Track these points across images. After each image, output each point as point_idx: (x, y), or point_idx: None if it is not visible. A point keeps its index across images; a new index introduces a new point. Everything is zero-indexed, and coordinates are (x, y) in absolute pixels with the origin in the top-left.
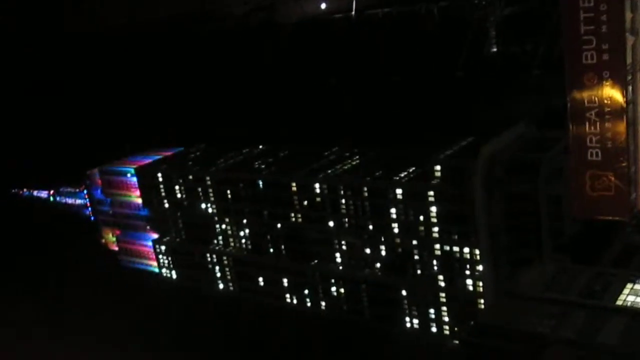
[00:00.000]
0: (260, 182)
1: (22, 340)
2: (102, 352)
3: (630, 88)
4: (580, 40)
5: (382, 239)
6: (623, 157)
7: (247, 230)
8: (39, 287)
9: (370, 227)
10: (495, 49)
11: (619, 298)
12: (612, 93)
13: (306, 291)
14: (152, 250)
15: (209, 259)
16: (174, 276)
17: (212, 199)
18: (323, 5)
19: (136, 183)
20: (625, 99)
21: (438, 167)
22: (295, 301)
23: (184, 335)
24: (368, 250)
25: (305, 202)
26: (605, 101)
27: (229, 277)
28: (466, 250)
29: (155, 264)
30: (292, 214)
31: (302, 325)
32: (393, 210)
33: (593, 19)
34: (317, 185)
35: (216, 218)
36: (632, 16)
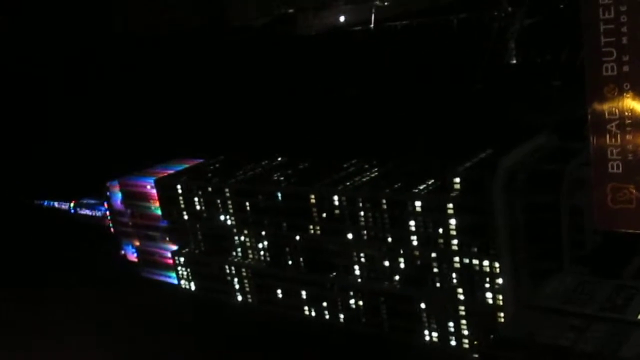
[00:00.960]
0: (279, 194)
1: (41, 351)
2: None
3: None
4: (601, 51)
5: (401, 251)
6: None
7: (265, 242)
8: (57, 298)
9: (389, 239)
10: (515, 61)
11: None
12: (632, 105)
13: (325, 303)
14: (171, 261)
15: (227, 271)
16: (193, 288)
17: (231, 210)
18: (342, 18)
19: (156, 194)
20: None
21: (457, 179)
22: (313, 313)
23: (200, 346)
24: (387, 263)
25: (324, 214)
26: (626, 113)
27: (247, 289)
28: (486, 262)
29: (174, 275)
30: (311, 226)
31: (321, 338)
32: (412, 223)
33: (613, 30)
34: (336, 197)
35: (235, 230)
36: None
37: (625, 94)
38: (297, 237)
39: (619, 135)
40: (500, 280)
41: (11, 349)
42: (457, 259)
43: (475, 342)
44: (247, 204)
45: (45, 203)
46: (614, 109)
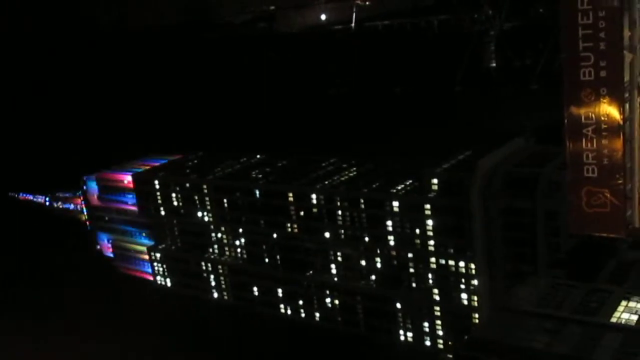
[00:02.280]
0: (257, 191)
1: (14, 346)
2: (92, 357)
3: (627, 105)
4: (579, 56)
5: (378, 251)
6: (619, 174)
7: (243, 239)
8: (31, 292)
9: (367, 238)
10: (494, 64)
11: (614, 315)
12: (609, 110)
13: (301, 301)
14: (147, 257)
15: (204, 267)
16: (169, 284)
17: (209, 207)
18: (323, 17)
19: (133, 189)
20: (622, 116)
21: (435, 180)
22: (289, 311)
23: (174, 343)
24: (364, 262)
25: (302, 212)
26: (603, 118)
27: (223, 285)
28: (462, 264)
29: (150, 271)
30: (289, 224)
31: (296, 336)
32: (389, 223)
33: (591, 35)
34: (314, 196)
35: (212, 226)
36: (630, 34)
37: (602, 98)
38: (275, 235)
39: (595, 140)
40: (475, 282)
41: None
42: (433, 259)
43: (450, 343)
44: (225, 200)
45: (21, 195)
46: (590, 113)
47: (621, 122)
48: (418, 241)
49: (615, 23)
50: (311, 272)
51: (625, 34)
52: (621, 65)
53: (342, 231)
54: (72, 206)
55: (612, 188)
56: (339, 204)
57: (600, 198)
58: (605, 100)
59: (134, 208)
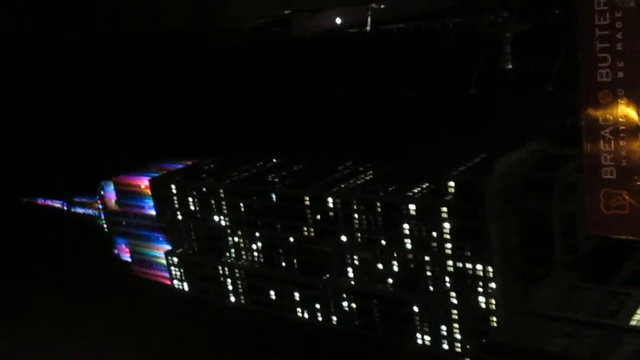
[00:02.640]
0: (274, 195)
1: (31, 351)
2: None
3: None
4: (596, 57)
5: (395, 254)
6: (638, 176)
7: (259, 243)
8: (49, 297)
9: (383, 242)
10: (510, 66)
11: (633, 318)
12: (627, 111)
13: (318, 305)
14: (164, 261)
15: (221, 272)
16: (186, 288)
17: (225, 211)
18: (338, 20)
19: (150, 194)
20: None
21: (451, 183)
22: (306, 315)
23: (191, 346)
24: (380, 265)
25: (318, 216)
26: (620, 119)
27: (240, 289)
28: (479, 267)
29: (167, 275)
30: (305, 228)
31: (313, 340)
32: (406, 226)
33: (608, 36)
34: (330, 199)
35: (229, 230)
36: None
37: (619, 100)
38: (291, 239)
39: (612, 142)
40: (492, 285)
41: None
42: (450, 262)
43: (468, 346)
44: (241, 204)
45: (40, 200)
46: (608, 115)
47: (639, 124)
48: (434, 244)
49: (632, 23)
50: (328, 275)
51: None
52: (639, 66)
53: (359, 234)
54: (89, 211)
55: (630, 190)
56: (355, 207)
57: (619, 200)
58: (622, 102)
59: (152, 212)
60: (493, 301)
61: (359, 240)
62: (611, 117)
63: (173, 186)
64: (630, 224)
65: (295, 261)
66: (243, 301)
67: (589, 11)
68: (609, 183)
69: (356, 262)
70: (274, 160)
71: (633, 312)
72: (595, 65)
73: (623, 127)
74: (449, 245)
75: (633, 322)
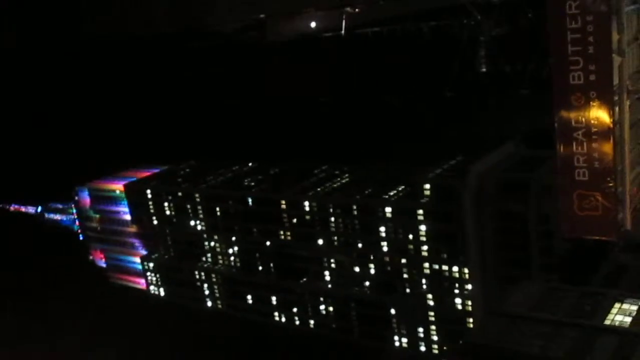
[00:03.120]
0: (250, 200)
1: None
2: None
3: (617, 109)
4: (568, 60)
5: (372, 257)
6: (610, 177)
7: (236, 248)
8: (24, 304)
9: (360, 245)
10: (484, 69)
11: (608, 318)
12: (599, 113)
13: (295, 309)
14: (140, 267)
15: (197, 276)
16: (162, 293)
17: (202, 216)
18: (313, 24)
19: (125, 199)
20: (612, 120)
21: (427, 186)
22: (284, 319)
23: (168, 352)
24: (357, 269)
25: (295, 220)
26: (593, 121)
27: (217, 294)
28: (455, 269)
29: (143, 281)
30: (282, 232)
31: (291, 344)
32: (382, 229)
33: (580, 39)
34: (306, 203)
35: (205, 235)
36: (619, 37)
37: (591, 102)
38: (268, 243)
39: (585, 144)
40: (469, 287)
41: None
42: (426, 265)
43: (445, 348)
44: (218, 209)
45: (13, 206)
46: (580, 117)
47: (611, 125)
48: (411, 247)
49: (603, 27)
50: (305, 279)
51: (614, 38)
52: (610, 69)
53: (336, 238)
54: (64, 217)
55: (603, 191)
56: (331, 211)
57: (592, 201)
58: (595, 104)
59: (127, 217)
60: (470, 303)
61: (336, 243)
62: (584, 120)
63: (148, 191)
64: (603, 225)
65: (272, 265)
66: (220, 306)
67: (561, 15)
68: (582, 185)
69: (333, 265)
70: (250, 164)
71: (609, 312)
72: (568, 68)
73: (595, 130)
74: (425, 248)
75: (608, 322)
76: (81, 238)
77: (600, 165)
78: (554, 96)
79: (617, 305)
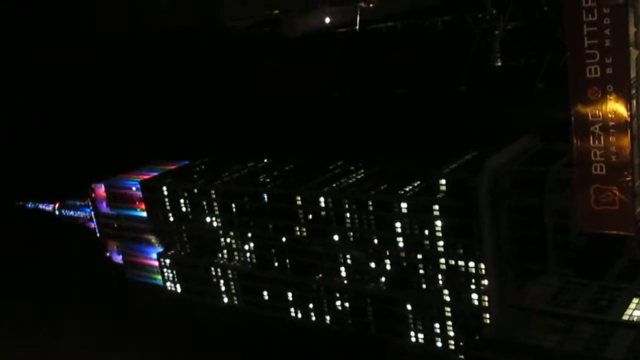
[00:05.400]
0: (265, 196)
1: (25, 356)
2: None
3: (634, 102)
4: (584, 54)
5: (387, 253)
6: (627, 171)
7: (251, 244)
8: (42, 301)
9: (375, 240)
10: (499, 63)
11: (625, 312)
12: (616, 107)
13: (311, 305)
14: (156, 263)
15: (213, 273)
16: (179, 290)
17: (217, 212)
18: (327, 20)
19: (141, 196)
20: (629, 113)
21: (443, 181)
22: (300, 315)
23: (185, 348)
24: (373, 264)
25: (310, 216)
26: (610, 115)
27: (233, 290)
28: (471, 264)
29: (160, 277)
30: (297, 228)
31: (307, 339)
32: (398, 224)
33: (597, 32)
34: (322, 199)
35: (221, 231)
36: (636, 30)
37: (608, 96)
38: (283, 239)
39: (602, 137)
40: (485, 282)
41: None
42: (442, 260)
43: (461, 344)
44: (233, 205)
45: (29, 205)
46: (597, 111)
47: (628, 119)
48: (427, 242)
49: (620, 20)
50: (320, 275)
51: (630, 30)
52: (627, 62)
53: (351, 234)
54: (81, 214)
55: (620, 185)
56: (347, 206)
57: (609, 196)
58: (612, 98)
59: (143, 214)
60: (486, 298)
61: (351, 239)
62: (600, 113)
63: (164, 188)
64: (620, 219)
65: (287, 261)
66: (236, 302)
67: (577, 8)
68: (599, 179)
69: (349, 261)
70: (265, 160)
71: (626, 307)
72: (584, 61)
73: (612, 123)
74: (441, 243)
75: (626, 317)
76: (98, 235)
77: (618, 159)
78: (571, 90)
79: (634, 300)
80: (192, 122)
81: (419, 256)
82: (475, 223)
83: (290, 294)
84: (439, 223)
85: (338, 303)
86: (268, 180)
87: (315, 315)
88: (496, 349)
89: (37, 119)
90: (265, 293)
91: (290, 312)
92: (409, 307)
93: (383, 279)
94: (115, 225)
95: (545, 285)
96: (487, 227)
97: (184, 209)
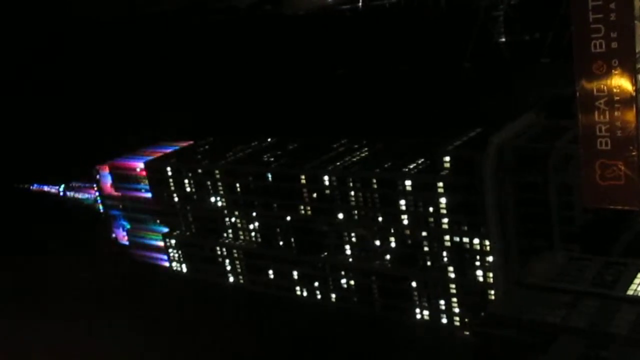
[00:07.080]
0: (270, 175)
1: (30, 337)
2: (111, 347)
3: (639, 76)
4: (589, 28)
5: (392, 231)
6: (633, 146)
7: (256, 223)
8: (47, 282)
9: (380, 218)
10: (503, 38)
11: (630, 288)
12: (621, 81)
13: (316, 283)
14: (162, 244)
15: (219, 252)
16: (185, 269)
17: (222, 192)
18: None
19: (146, 177)
20: (634, 87)
21: (447, 158)
22: (305, 293)
23: (191, 327)
24: (378, 242)
25: (315, 194)
26: (615, 90)
27: (239, 269)
28: (476, 241)
29: (165, 257)
30: (302, 206)
31: (313, 317)
32: (402, 202)
33: (602, 7)
34: (326, 178)
35: (226, 211)
36: None
37: (613, 70)
38: (288, 218)
39: (607, 112)
40: (490, 258)
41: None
42: (447, 237)
43: (466, 320)
44: (238, 185)
45: (35, 186)
46: (602, 85)
47: (634, 94)
48: (431, 220)
49: None
50: (325, 253)
51: (636, 4)
52: (632, 36)
53: (356, 212)
54: (86, 196)
55: (626, 160)
56: (351, 185)
57: (614, 171)
58: (617, 72)
59: (148, 195)
60: (491, 275)
61: (356, 217)
62: (605, 88)
63: (169, 168)
64: (626, 194)
65: (292, 240)
66: (242, 281)
67: None
68: (605, 154)
69: (353, 239)
70: (269, 139)
71: (630, 282)
72: (589, 36)
73: (617, 98)
74: (445, 220)
75: (630, 292)
76: (103, 216)
77: (623, 133)
78: (575, 65)
79: (639, 275)
80: (196, 102)
81: (424, 233)
82: (479, 200)
83: (295, 273)
84: (443, 200)
85: (343, 281)
86: (272, 159)
87: (321, 294)
88: (501, 325)
89: (43, 100)
90: (270, 272)
91: (295, 290)
92: (414, 284)
93: (388, 256)
94: (120, 206)
95: (550, 261)
96: (492, 203)
97: (188, 189)
